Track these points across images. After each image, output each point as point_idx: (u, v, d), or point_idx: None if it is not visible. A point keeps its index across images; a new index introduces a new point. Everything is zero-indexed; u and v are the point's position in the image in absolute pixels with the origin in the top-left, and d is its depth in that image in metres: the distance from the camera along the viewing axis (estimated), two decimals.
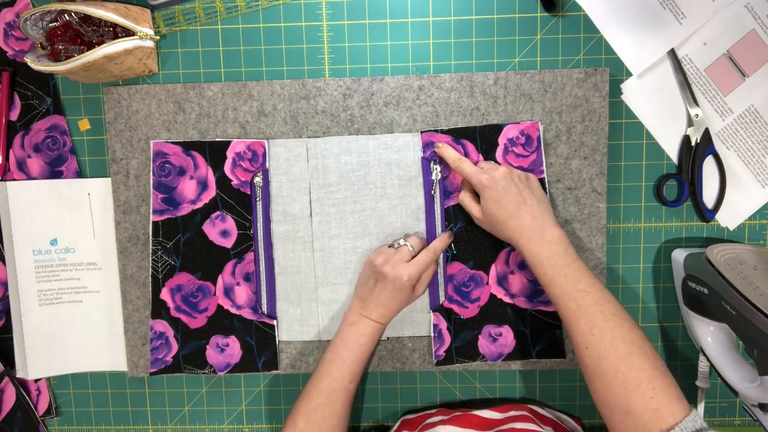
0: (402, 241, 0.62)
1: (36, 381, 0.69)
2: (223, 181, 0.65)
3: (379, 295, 0.60)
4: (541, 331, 0.65)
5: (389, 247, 0.63)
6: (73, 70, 0.58)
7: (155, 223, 0.65)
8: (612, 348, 0.49)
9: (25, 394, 0.68)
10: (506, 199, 0.56)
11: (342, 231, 0.65)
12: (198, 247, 0.65)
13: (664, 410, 0.45)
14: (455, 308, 0.65)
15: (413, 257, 0.61)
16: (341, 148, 0.64)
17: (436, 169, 0.64)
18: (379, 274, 0.60)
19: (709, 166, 0.65)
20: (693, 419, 0.45)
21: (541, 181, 0.63)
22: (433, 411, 0.65)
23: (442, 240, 0.63)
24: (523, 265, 0.65)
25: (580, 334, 0.51)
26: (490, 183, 0.57)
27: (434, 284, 0.65)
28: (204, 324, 0.66)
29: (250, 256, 0.65)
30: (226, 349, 0.67)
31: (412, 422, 0.64)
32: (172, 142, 0.65)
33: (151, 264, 0.66)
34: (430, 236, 0.64)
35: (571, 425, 0.63)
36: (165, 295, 0.66)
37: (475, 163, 0.61)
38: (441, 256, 0.65)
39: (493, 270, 0.65)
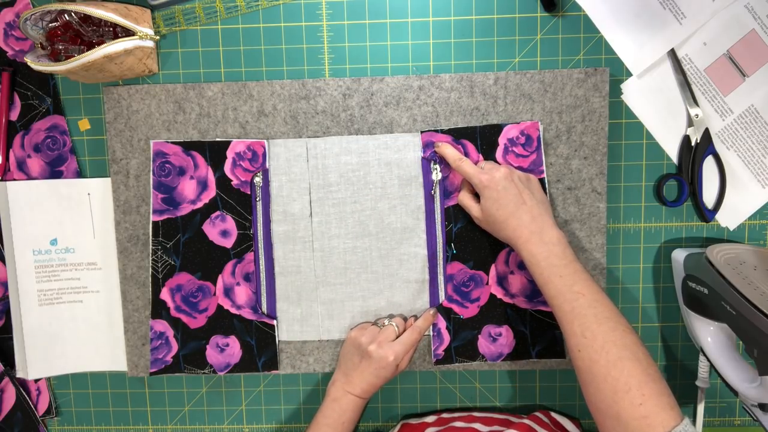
0: (387, 321, 0.63)
1: (36, 381, 0.69)
2: (223, 181, 0.65)
3: (363, 372, 0.61)
4: (541, 331, 0.65)
5: (373, 324, 0.64)
6: (73, 70, 0.58)
7: (155, 223, 0.65)
8: (603, 352, 0.48)
9: (25, 394, 0.68)
10: (506, 199, 0.56)
11: (342, 231, 0.65)
12: (198, 247, 0.65)
13: (653, 418, 0.44)
14: (455, 308, 0.65)
15: (397, 337, 0.62)
16: (341, 148, 0.64)
17: (436, 169, 0.64)
18: (364, 353, 0.61)
19: (709, 166, 0.65)
20: (683, 429, 0.43)
21: (541, 181, 0.63)
22: (432, 420, 0.65)
23: (426, 319, 0.64)
24: (522, 266, 0.65)
25: (573, 336, 0.51)
26: (490, 183, 0.57)
27: (434, 284, 0.65)
28: (204, 324, 0.66)
29: (250, 256, 0.65)
30: (226, 349, 0.67)
31: (412, 429, 0.64)
32: (172, 142, 0.64)
33: (151, 264, 0.66)
34: (430, 236, 0.64)
35: (571, 429, 0.63)
36: (165, 295, 0.66)
37: (475, 163, 0.61)
38: (441, 263, 0.65)
39: (493, 270, 0.65)
